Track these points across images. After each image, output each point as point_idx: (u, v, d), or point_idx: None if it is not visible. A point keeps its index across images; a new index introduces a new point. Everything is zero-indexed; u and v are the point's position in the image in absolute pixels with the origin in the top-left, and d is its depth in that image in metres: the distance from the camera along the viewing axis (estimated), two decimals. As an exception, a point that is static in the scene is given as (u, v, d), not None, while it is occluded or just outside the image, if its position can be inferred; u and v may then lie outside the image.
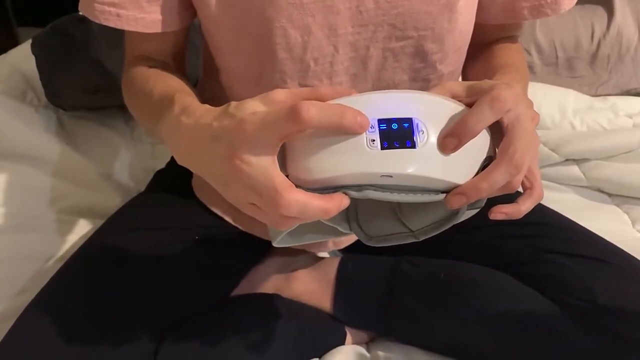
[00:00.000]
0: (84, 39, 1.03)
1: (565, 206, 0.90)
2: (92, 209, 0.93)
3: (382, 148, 0.44)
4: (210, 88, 0.79)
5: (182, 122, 0.50)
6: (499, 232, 0.75)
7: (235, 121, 0.44)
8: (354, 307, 0.78)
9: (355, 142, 0.44)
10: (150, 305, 0.69)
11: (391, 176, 0.45)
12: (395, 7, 0.64)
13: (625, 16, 1.28)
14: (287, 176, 0.46)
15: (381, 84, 0.69)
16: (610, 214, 1.03)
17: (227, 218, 0.81)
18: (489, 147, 0.50)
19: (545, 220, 0.79)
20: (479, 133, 0.47)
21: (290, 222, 0.47)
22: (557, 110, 1.17)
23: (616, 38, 1.27)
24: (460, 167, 0.47)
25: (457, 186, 0.48)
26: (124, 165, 1.04)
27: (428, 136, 0.45)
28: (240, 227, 0.81)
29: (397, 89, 0.70)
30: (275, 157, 0.45)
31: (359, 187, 0.46)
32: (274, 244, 0.55)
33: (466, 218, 0.53)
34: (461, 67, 0.76)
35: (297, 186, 0.45)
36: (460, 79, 0.80)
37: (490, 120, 0.47)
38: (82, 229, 0.87)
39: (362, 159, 0.44)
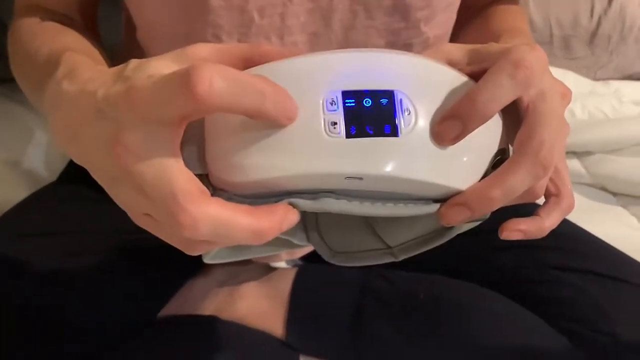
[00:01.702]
0: None
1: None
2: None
3: (349, 136, 0.32)
4: (130, 54, 0.66)
5: (63, 90, 0.38)
6: (494, 241, 0.64)
7: (124, 88, 0.31)
8: (311, 331, 0.69)
9: (308, 126, 0.32)
10: (52, 335, 0.60)
11: (361, 178, 0.33)
12: None
13: None
14: (206, 176, 0.35)
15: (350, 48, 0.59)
16: (615, 217, 0.96)
17: None
18: (502, 137, 0.37)
19: None
20: (493, 115, 0.34)
21: (201, 247, 0.35)
22: (555, 94, 1.08)
23: (619, 15, 1.20)
24: (463, 165, 0.35)
25: (457, 192, 0.35)
26: (38, 150, 0.92)
27: (417, 119, 0.33)
28: None
29: None
30: (177, 146, 0.32)
31: (313, 195, 0.34)
32: (205, 260, 0.45)
33: (463, 231, 0.41)
34: (450, 31, 0.67)
35: (220, 191, 0.35)
36: None
37: (510, 96, 0.34)
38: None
39: (318, 153, 0.32)
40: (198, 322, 0.68)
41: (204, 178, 0.35)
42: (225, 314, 0.69)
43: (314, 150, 0.32)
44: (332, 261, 0.47)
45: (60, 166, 0.82)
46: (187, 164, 0.33)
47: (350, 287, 0.69)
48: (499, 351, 0.61)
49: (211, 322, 0.68)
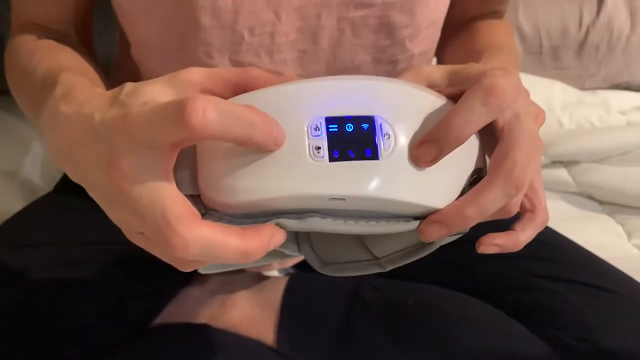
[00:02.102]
0: None
1: (551, 216, 0.80)
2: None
3: (332, 159, 0.34)
4: (125, 69, 0.66)
5: (60, 110, 0.39)
6: (475, 251, 0.65)
7: (120, 114, 0.33)
8: (301, 338, 0.69)
9: (294, 150, 0.33)
10: (45, 343, 0.60)
11: (344, 199, 0.34)
12: None
13: (616, 3, 1.23)
14: (198, 196, 0.36)
15: (337, 65, 0.60)
16: (602, 225, 0.96)
17: None
18: (478, 156, 0.38)
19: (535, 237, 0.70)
20: (467, 139, 0.35)
21: (192, 265, 0.36)
22: (542, 104, 1.06)
23: (606, 26, 1.22)
24: (440, 185, 0.36)
25: (434, 210, 0.36)
26: (34, 161, 0.92)
27: (396, 142, 0.34)
28: None
29: (357, 71, 0.60)
30: (170, 171, 0.33)
31: (300, 215, 0.36)
32: (200, 272, 0.45)
33: (445, 243, 0.42)
34: (434, 48, 0.67)
35: (211, 211, 0.36)
36: (434, 63, 0.72)
37: (483, 121, 0.36)
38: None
39: (303, 176, 0.34)
40: (191, 330, 0.68)
41: (197, 199, 0.36)
42: (218, 322, 0.69)
43: (299, 173, 0.33)
44: (322, 271, 0.48)
45: (56, 176, 0.82)
46: (180, 186, 0.34)
47: (340, 296, 0.69)
48: (484, 357, 0.62)
49: (204, 330, 0.67)
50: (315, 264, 0.47)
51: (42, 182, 0.91)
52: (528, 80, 1.14)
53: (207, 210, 0.36)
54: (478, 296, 0.66)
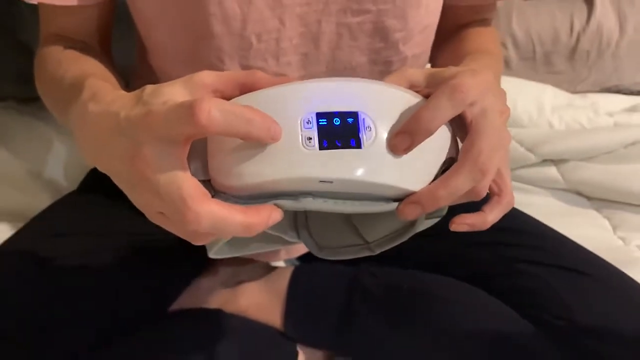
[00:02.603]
0: (11, 23, 0.96)
1: (542, 211, 0.85)
2: (16, 211, 0.84)
3: (321, 148, 0.38)
4: (144, 75, 0.71)
5: (89, 110, 0.43)
6: (467, 240, 0.69)
7: (143, 112, 0.38)
8: (306, 322, 0.73)
9: (289, 140, 0.38)
10: (70, 322, 0.62)
11: (332, 182, 0.39)
12: None
13: (605, 9, 1.24)
14: (208, 181, 0.41)
15: (337, 66, 0.63)
16: (589, 220, 0.99)
17: None
18: (451, 147, 0.43)
19: (518, 227, 0.73)
20: (435, 130, 0.40)
21: (203, 238, 0.41)
22: (534, 107, 1.12)
23: (596, 32, 1.23)
24: (415, 170, 0.41)
25: (411, 193, 0.41)
26: (58, 162, 0.95)
27: (376, 134, 0.39)
28: None
29: (354, 71, 0.64)
30: (184, 159, 0.38)
31: (295, 196, 0.40)
32: (210, 255, 0.49)
33: (425, 228, 0.46)
34: (429, 50, 0.71)
35: (219, 193, 0.41)
36: (428, 64, 0.75)
37: (449, 115, 0.40)
38: (3, 234, 0.78)
39: (297, 162, 0.39)
40: (205, 315, 0.72)
41: (207, 183, 0.41)
42: (229, 308, 0.73)
43: (293, 159, 0.38)
44: (319, 255, 0.52)
45: (78, 176, 0.86)
46: (194, 173, 0.39)
47: (341, 284, 0.72)
48: (473, 335, 0.65)
49: (217, 315, 0.71)
50: (312, 249, 0.52)
51: (65, 181, 0.94)
52: (521, 84, 1.17)
53: (216, 192, 0.41)
54: (466, 280, 0.70)
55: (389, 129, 0.40)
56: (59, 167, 0.96)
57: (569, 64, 1.26)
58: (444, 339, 0.66)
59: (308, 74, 0.62)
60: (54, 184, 0.94)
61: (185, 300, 0.74)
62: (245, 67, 0.60)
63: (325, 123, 0.39)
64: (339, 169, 0.39)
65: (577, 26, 1.23)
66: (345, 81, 0.41)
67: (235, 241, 0.49)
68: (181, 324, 0.70)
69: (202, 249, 0.73)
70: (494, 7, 0.73)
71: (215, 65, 0.61)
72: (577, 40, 1.23)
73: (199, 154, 0.41)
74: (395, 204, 0.42)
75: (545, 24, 1.24)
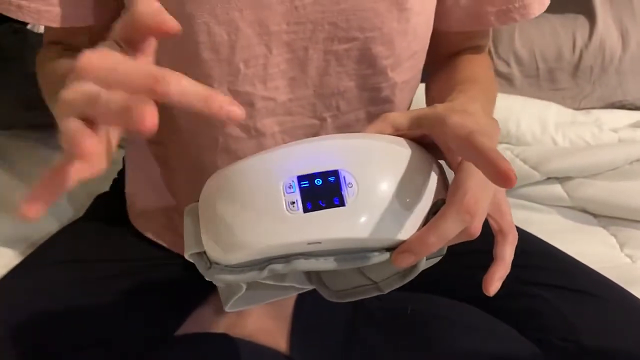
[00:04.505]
0: (18, 51, 0.98)
1: (547, 228, 0.87)
2: (21, 238, 0.85)
3: (306, 210, 0.39)
4: None
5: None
6: (470, 262, 0.68)
7: None
8: (311, 345, 0.72)
9: (273, 206, 0.39)
10: (74, 351, 0.62)
11: (320, 242, 0.39)
12: (337, 2, 0.58)
13: (607, 25, 1.25)
14: (204, 253, 0.42)
15: (324, 91, 0.63)
16: (596, 237, 0.98)
17: (162, 243, 0.75)
18: (440, 188, 0.43)
19: (522, 247, 0.71)
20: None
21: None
22: (537, 124, 1.13)
23: (599, 48, 1.24)
24: (403, 220, 0.41)
25: (401, 242, 0.41)
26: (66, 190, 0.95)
27: (359, 189, 0.39)
28: (179, 252, 0.74)
29: (342, 96, 0.64)
30: None
31: (287, 259, 0.41)
32: (226, 309, 0.50)
33: (429, 266, 0.46)
34: (419, 75, 0.70)
35: (215, 264, 0.42)
36: (422, 90, 0.74)
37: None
38: (11, 260, 0.79)
39: (283, 227, 0.39)
40: (210, 339, 0.71)
41: (202, 255, 0.42)
42: (235, 332, 0.72)
43: (279, 226, 0.39)
44: (332, 299, 0.51)
45: (84, 203, 0.87)
46: (187, 247, 0.41)
47: (346, 306, 0.70)
48: (476, 356, 0.64)
49: (222, 339, 0.71)
50: (324, 293, 0.51)
51: (71, 208, 0.95)
52: (525, 102, 1.18)
53: (211, 264, 0.42)
54: (470, 302, 0.69)
55: (371, 182, 0.40)
56: (64, 194, 0.95)
57: (572, 80, 1.26)
58: (448, 359, 0.66)
59: (295, 97, 0.62)
60: (59, 211, 0.94)
61: (191, 325, 0.74)
62: (234, 92, 0.60)
63: (308, 185, 0.39)
64: (324, 229, 0.39)
65: (580, 42, 1.24)
66: (323, 140, 0.41)
67: (250, 293, 0.48)
68: (187, 349, 0.70)
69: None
70: (487, 33, 0.73)
71: None
72: (580, 56, 1.24)
73: (192, 229, 0.42)
74: (388, 254, 0.41)
75: (548, 41, 1.25)
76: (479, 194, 0.40)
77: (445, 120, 0.41)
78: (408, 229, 0.41)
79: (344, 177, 0.39)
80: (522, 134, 1.11)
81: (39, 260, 0.72)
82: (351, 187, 0.39)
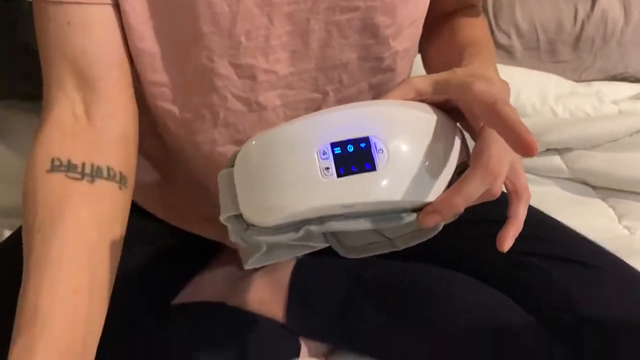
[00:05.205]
0: (11, 21, 0.96)
1: (546, 200, 0.87)
2: (18, 209, 0.81)
3: (339, 175, 0.41)
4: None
5: None
6: (467, 233, 0.69)
7: None
8: (308, 314, 0.73)
9: (308, 172, 0.41)
10: None
11: (352, 205, 0.42)
12: None
13: None
14: (240, 215, 0.44)
15: (326, 64, 0.63)
16: (594, 209, 0.99)
17: (157, 214, 0.75)
18: (462, 152, 0.45)
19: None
20: (463, 207, 0.43)
21: None
22: (537, 96, 1.12)
23: (601, 19, 1.22)
24: (430, 183, 0.43)
25: (428, 203, 0.43)
26: None
27: (389, 154, 0.41)
28: (174, 224, 0.75)
29: (345, 68, 0.64)
30: None
31: (320, 221, 0.43)
32: (246, 267, 0.52)
33: (447, 222, 0.48)
34: (417, 42, 0.70)
35: (251, 226, 0.43)
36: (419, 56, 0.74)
37: (480, 194, 0.42)
38: (7, 231, 0.79)
39: (318, 191, 0.41)
40: (207, 308, 0.72)
41: (239, 217, 0.44)
42: (232, 302, 0.73)
43: (314, 190, 0.41)
44: (347, 256, 0.53)
45: None
46: (224, 209, 0.43)
47: (342, 277, 0.73)
48: (473, 328, 0.65)
49: (220, 308, 0.72)
50: (340, 251, 0.53)
51: None
52: (524, 73, 1.17)
53: (248, 226, 0.44)
54: (470, 274, 0.70)
55: (400, 145, 0.42)
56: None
57: (573, 52, 1.25)
58: (444, 331, 0.67)
59: (297, 71, 0.62)
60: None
61: (188, 294, 0.75)
62: (235, 65, 0.60)
63: (340, 151, 0.41)
64: (357, 192, 0.41)
65: (582, 14, 1.23)
66: (354, 107, 0.43)
67: (269, 252, 0.51)
68: (183, 318, 0.71)
69: (202, 244, 0.75)
70: None
71: (205, 65, 0.60)
72: (582, 28, 1.23)
73: (228, 191, 0.44)
74: (415, 215, 0.44)
75: (549, 12, 1.24)
76: (502, 158, 0.42)
77: (471, 88, 0.42)
78: (435, 191, 0.43)
79: (375, 144, 0.41)
80: (522, 105, 1.10)
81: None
82: (382, 152, 0.41)
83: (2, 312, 0.56)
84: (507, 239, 0.46)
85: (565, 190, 1.02)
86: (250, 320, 0.72)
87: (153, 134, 0.67)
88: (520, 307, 0.66)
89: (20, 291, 0.51)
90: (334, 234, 0.53)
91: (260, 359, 0.71)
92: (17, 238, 0.69)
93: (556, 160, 1.04)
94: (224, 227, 0.46)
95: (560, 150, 1.05)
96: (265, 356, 0.71)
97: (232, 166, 0.44)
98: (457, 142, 0.45)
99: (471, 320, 0.66)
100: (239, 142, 0.62)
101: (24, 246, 0.54)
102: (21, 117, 1.02)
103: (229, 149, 0.63)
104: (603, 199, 1.01)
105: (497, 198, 0.47)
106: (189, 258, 0.77)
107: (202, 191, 0.68)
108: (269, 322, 0.73)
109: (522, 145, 0.38)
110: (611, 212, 0.98)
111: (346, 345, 0.73)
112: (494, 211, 0.48)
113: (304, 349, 0.74)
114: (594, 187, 1.03)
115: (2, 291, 0.57)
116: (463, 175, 0.42)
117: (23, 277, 0.51)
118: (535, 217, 0.74)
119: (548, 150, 1.05)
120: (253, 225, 0.43)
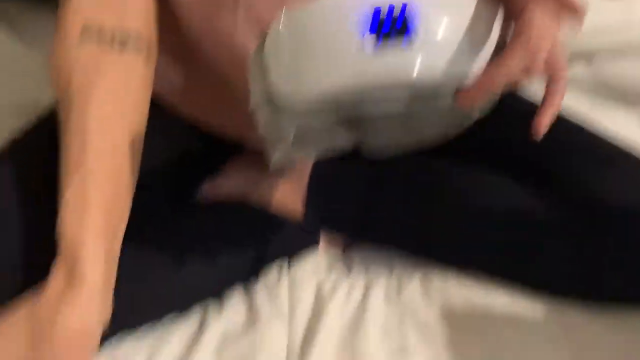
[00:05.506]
0: None
1: (569, 105, 0.81)
2: (31, 103, 0.83)
3: (375, 53, 0.40)
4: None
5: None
6: (494, 137, 0.71)
7: None
8: (326, 207, 0.74)
9: (345, 47, 0.40)
10: None
11: (390, 83, 0.41)
12: None
13: None
14: (271, 100, 0.43)
15: None
16: (622, 119, 0.94)
17: (179, 108, 0.73)
18: (500, 29, 0.45)
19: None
20: (504, 83, 0.43)
21: None
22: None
23: None
24: (470, 60, 0.42)
25: (466, 86, 0.43)
26: None
27: (429, 30, 0.40)
28: (199, 123, 0.74)
29: None
30: None
31: (354, 103, 0.42)
32: (272, 163, 0.52)
33: (476, 118, 0.49)
34: None
35: (284, 108, 0.43)
36: None
37: (519, 70, 0.43)
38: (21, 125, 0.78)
39: (354, 68, 0.40)
40: (227, 207, 0.73)
41: (270, 102, 0.43)
42: (252, 199, 0.74)
43: (350, 66, 0.39)
44: (373, 155, 0.55)
45: None
46: (256, 94, 0.42)
47: (361, 174, 0.73)
48: (491, 211, 0.66)
49: (239, 207, 0.73)
50: (364, 152, 0.54)
51: None
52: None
53: (279, 108, 0.43)
54: (492, 169, 0.69)
55: (441, 24, 0.41)
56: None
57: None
58: (464, 222, 0.68)
59: None
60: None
61: (208, 193, 0.75)
62: None
63: (377, 28, 0.39)
64: (394, 70, 0.40)
65: None
66: None
67: (293, 142, 0.49)
68: (203, 216, 0.71)
69: (222, 143, 0.74)
70: None
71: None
72: None
73: (260, 71, 0.42)
74: (451, 97, 0.43)
75: None
76: (544, 36, 0.43)
77: (524, 30, 0.43)
78: (474, 69, 0.42)
79: (414, 19, 0.40)
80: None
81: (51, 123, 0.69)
82: (422, 28, 0.40)
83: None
84: (542, 124, 0.46)
85: (589, 96, 0.98)
86: (269, 218, 0.73)
87: (172, 30, 0.65)
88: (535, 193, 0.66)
89: (62, 152, 0.54)
90: (362, 128, 0.52)
91: (281, 252, 0.72)
92: (34, 131, 0.70)
93: (580, 65, 1.00)
94: (247, 127, 0.46)
95: (586, 55, 1.00)
96: (286, 250, 0.72)
97: (263, 48, 0.43)
98: (497, 19, 0.44)
99: (490, 203, 0.67)
100: (258, 32, 0.60)
101: (59, 112, 0.56)
102: (40, 17, 0.99)
103: (249, 40, 0.61)
104: (633, 107, 0.97)
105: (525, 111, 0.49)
106: (209, 159, 0.77)
107: (225, 87, 0.67)
108: (288, 219, 0.74)
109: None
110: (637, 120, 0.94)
111: (365, 235, 0.74)
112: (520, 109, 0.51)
113: (322, 245, 0.75)
114: (622, 95, 0.98)
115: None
116: (505, 51, 0.43)
117: (62, 139, 0.55)
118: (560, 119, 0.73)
119: (572, 53, 0.98)
120: (283, 108, 0.43)
